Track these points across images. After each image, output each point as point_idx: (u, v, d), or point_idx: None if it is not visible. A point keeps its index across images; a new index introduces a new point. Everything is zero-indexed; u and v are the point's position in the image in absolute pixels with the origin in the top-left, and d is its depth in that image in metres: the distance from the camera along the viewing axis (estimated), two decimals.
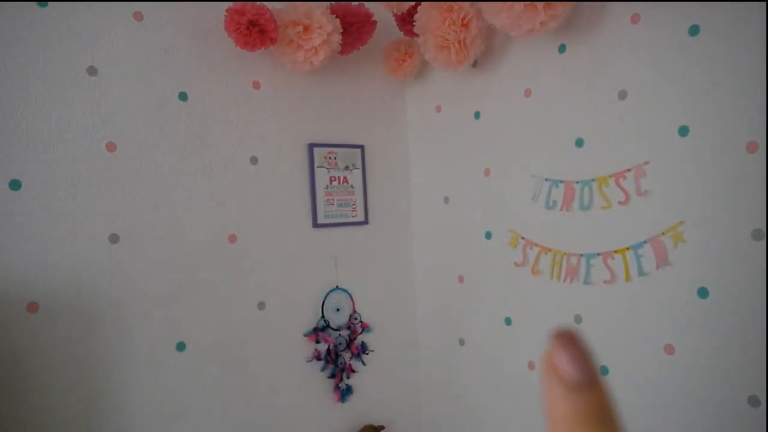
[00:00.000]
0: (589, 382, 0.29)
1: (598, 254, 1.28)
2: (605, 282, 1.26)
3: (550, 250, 1.39)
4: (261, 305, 1.54)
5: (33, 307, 1.22)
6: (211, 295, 1.45)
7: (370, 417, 1.75)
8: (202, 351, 1.44)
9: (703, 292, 1.10)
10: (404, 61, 1.62)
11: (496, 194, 1.54)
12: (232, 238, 1.49)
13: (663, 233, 1.15)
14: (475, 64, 1.57)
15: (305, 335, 1.62)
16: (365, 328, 1.73)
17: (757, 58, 1.00)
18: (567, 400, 0.29)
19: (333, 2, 1.49)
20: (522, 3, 1.14)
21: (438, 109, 1.72)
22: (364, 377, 1.74)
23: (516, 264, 1.48)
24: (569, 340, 0.29)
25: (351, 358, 1.70)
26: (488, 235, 1.57)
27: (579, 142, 1.31)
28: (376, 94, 1.78)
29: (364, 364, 1.73)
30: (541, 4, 1.14)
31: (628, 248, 1.22)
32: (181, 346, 1.40)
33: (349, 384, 1.69)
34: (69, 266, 1.26)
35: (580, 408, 0.28)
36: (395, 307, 1.82)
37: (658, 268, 1.17)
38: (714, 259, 1.08)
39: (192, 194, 1.43)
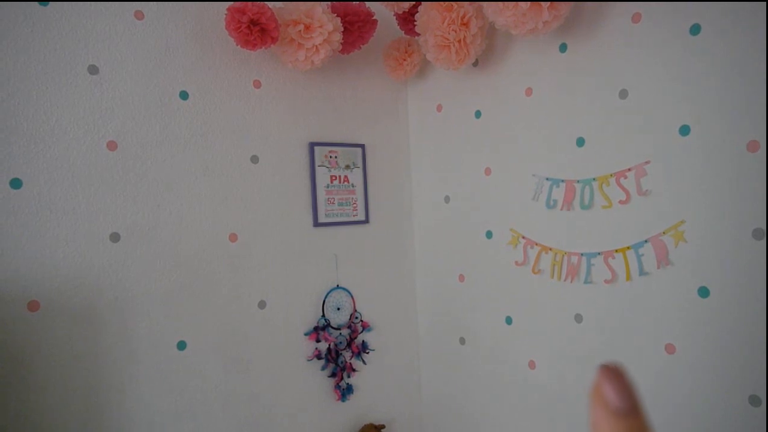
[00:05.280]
0: (630, 411, 0.34)
1: (599, 253, 1.28)
2: (606, 281, 1.26)
3: (550, 249, 1.39)
4: (261, 304, 1.54)
5: (34, 306, 1.22)
6: (211, 294, 1.45)
7: (370, 416, 1.75)
8: (202, 350, 1.44)
9: (703, 292, 1.10)
10: (404, 60, 1.62)
11: (497, 193, 1.54)
12: (233, 237, 1.49)
13: (664, 232, 1.15)
14: (475, 64, 1.57)
15: (306, 334, 1.62)
16: (366, 327, 1.73)
17: (757, 58, 1.00)
18: (611, 425, 0.34)
19: (334, 1, 1.49)
20: (527, 2, 1.14)
21: (439, 108, 1.72)
22: (364, 376, 1.74)
23: (517, 263, 1.48)
24: (615, 374, 0.35)
25: (351, 357, 1.70)
26: (489, 235, 1.57)
27: (580, 142, 1.31)
28: (377, 93, 1.78)
29: (364, 363, 1.73)
30: (546, 3, 1.14)
31: (628, 247, 1.22)
32: (181, 345, 1.40)
33: (350, 383, 1.69)
34: (70, 265, 1.26)
35: None
36: (396, 306, 1.82)
37: (658, 267, 1.17)
38: (715, 258, 1.08)
39: (193, 193, 1.43)
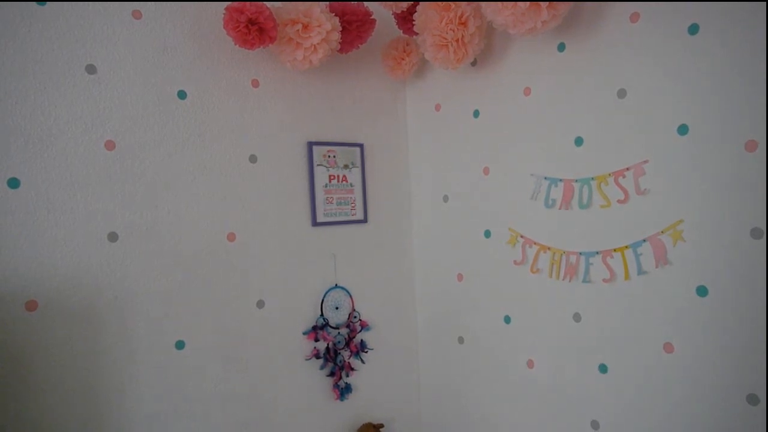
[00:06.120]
0: None
1: (597, 253, 1.28)
2: (604, 280, 1.27)
3: (549, 248, 1.39)
4: (260, 303, 1.54)
5: (32, 305, 1.22)
6: (210, 294, 1.45)
7: (369, 415, 1.75)
8: (201, 349, 1.43)
9: (702, 291, 1.10)
10: (403, 59, 1.61)
11: (495, 193, 1.54)
12: (231, 237, 1.49)
13: (662, 232, 1.15)
14: (474, 63, 1.57)
15: (304, 333, 1.62)
16: (364, 326, 1.73)
17: (756, 57, 1.00)
18: None
19: (332, 1, 1.49)
20: (526, 2, 1.14)
21: (437, 107, 1.72)
22: (363, 375, 1.74)
23: (515, 262, 1.48)
24: None
25: (350, 356, 1.70)
26: (487, 234, 1.57)
27: (578, 141, 1.31)
28: (375, 93, 1.78)
29: (363, 362, 1.73)
30: (545, 2, 1.14)
31: (627, 247, 1.22)
32: (180, 345, 1.40)
33: (348, 382, 1.69)
34: (68, 265, 1.26)
35: None
36: (394, 305, 1.82)
37: (657, 266, 1.17)
38: (713, 257, 1.08)
39: (191, 192, 1.43)
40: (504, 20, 1.22)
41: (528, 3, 1.15)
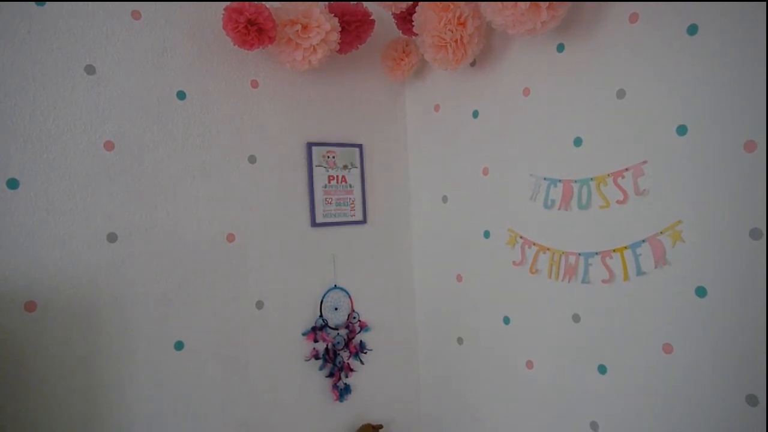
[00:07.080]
0: None
1: (597, 253, 1.28)
2: (603, 281, 1.26)
3: (548, 249, 1.39)
4: (259, 304, 1.54)
5: (31, 306, 1.22)
6: (209, 295, 1.45)
7: (368, 416, 1.75)
8: (200, 350, 1.43)
9: (701, 291, 1.10)
10: (402, 60, 1.61)
11: (495, 193, 1.54)
12: (231, 238, 1.49)
13: (661, 232, 1.15)
14: (473, 64, 1.57)
15: (303, 334, 1.62)
16: (363, 327, 1.73)
17: (755, 58, 1.00)
18: None
19: (331, 1, 1.49)
20: (527, 2, 1.14)
21: (436, 108, 1.72)
22: (362, 376, 1.74)
23: (514, 263, 1.48)
24: None
25: (349, 357, 1.70)
26: (487, 234, 1.57)
27: (577, 141, 1.31)
28: (374, 94, 1.78)
29: (362, 363, 1.73)
30: (545, 3, 1.14)
31: (626, 247, 1.22)
32: (179, 346, 1.40)
33: (348, 383, 1.69)
34: (67, 265, 1.26)
35: None
36: (394, 306, 1.82)
37: (656, 267, 1.17)
38: (712, 258, 1.08)
39: (190, 193, 1.43)
40: (503, 21, 1.22)
41: (528, 3, 1.15)
